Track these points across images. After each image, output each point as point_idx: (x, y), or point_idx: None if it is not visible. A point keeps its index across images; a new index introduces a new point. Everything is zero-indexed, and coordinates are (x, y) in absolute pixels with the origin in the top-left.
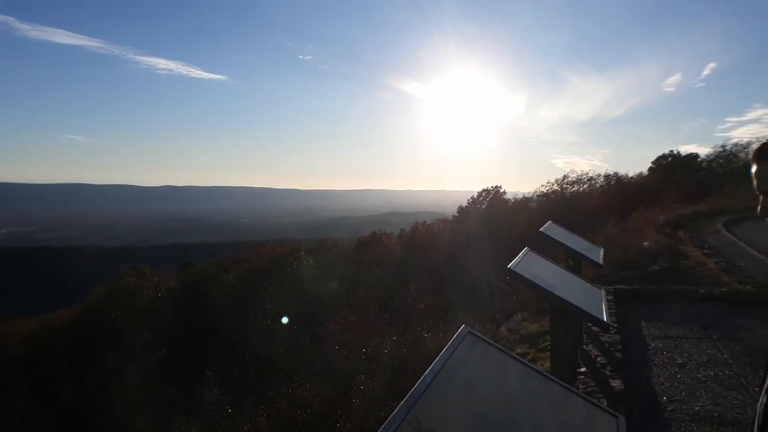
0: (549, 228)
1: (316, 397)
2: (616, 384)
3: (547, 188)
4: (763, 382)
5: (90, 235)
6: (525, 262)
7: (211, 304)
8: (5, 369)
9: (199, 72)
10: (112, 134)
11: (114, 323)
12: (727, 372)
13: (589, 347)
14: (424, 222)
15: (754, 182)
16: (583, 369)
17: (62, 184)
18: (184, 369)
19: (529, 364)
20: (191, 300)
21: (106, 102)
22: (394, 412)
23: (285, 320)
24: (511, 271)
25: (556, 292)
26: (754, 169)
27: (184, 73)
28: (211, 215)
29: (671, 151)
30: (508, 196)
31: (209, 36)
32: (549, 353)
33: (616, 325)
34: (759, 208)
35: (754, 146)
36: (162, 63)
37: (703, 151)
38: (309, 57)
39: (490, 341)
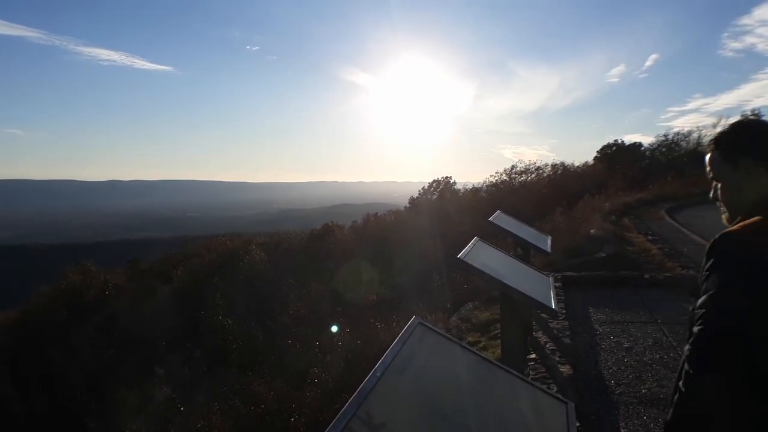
0: (498, 217)
1: (270, 391)
2: (565, 369)
3: (496, 178)
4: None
5: (31, 233)
6: (475, 251)
7: (161, 301)
8: None
9: (144, 63)
10: (54, 128)
11: (60, 323)
12: (671, 354)
13: (539, 334)
14: (376, 213)
15: (707, 169)
16: (533, 355)
17: (1, 180)
18: (135, 368)
19: (479, 353)
20: (140, 297)
21: (47, 94)
22: (344, 407)
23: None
24: (461, 261)
25: (505, 281)
26: (708, 157)
27: (128, 63)
28: (159, 210)
29: (616, 140)
30: (459, 186)
31: (154, 26)
32: (500, 341)
33: (564, 311)
34: (711, 193)
35: (695, 135)
36: (105, 54)
37: (647, 140)
38: (256, 48)
39: (441, 332)
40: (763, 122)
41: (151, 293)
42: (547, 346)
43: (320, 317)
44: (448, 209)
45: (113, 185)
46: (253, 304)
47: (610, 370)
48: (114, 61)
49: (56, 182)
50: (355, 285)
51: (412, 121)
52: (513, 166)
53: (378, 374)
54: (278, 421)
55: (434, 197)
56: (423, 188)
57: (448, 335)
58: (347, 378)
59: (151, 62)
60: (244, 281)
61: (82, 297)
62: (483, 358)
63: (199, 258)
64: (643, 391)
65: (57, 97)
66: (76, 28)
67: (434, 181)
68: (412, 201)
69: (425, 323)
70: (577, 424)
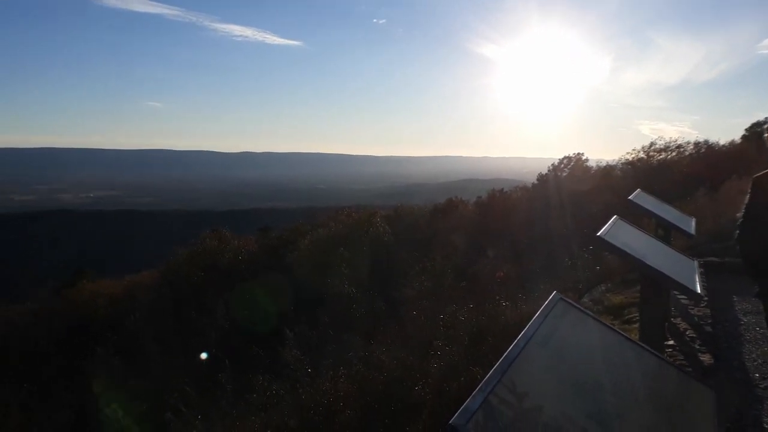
0: (638, 196)
1: (393, 360)
2: (706, 358)
3: (633, 156)
4: None
5: (171, 199)
6: (614, 230)
7: (290, 269)
8: (94, 327)
9: (275, 38)
10: (191, 101)
11: (195, 284)
12: None
13: (678, 320)
14: (502, 189)
15: None
16: (671, 342)
17: (144, 150)
18: (265, 329)
19: (622, 333)
20: (269, 263)
21: (184, 69)
22: (489, 374)
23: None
24: (600, 239)
25: (647, 262)
26: None
27: (260, 39)
28: (288, 181)
29: (766, 118)
30: (591, 163)
31: (284, 2)
32: (634, 326)
33: (706, 298)
34: None
35: None
36: (238, 29)
37: None
38: (383, 21)
39: (583, 308)
40: None
41: (280, 260)
42: (687, 333)
43: (444, 291)
44: (578, 187)
45: (246, 156)
46: (377, 275)
47: (755, 363)
48: (246, 36)
49: (194, 153)
50: (480, 261)
51: (542, 94)
52: (651, 143)
53: (521, 345)
54: (402, 388)
55: (564, 174)
56: (553, 164)
57: (589, 312)
58: (472, 352)
59: (282, 37)
60: (368, 252)
61: (217, 260)
62: (626, 337)
63: (325, 228)
64: None
65: (193, 72)
66: (211, 5)
67: (565, 157)
68: (541, 177)
69: (566, 299)
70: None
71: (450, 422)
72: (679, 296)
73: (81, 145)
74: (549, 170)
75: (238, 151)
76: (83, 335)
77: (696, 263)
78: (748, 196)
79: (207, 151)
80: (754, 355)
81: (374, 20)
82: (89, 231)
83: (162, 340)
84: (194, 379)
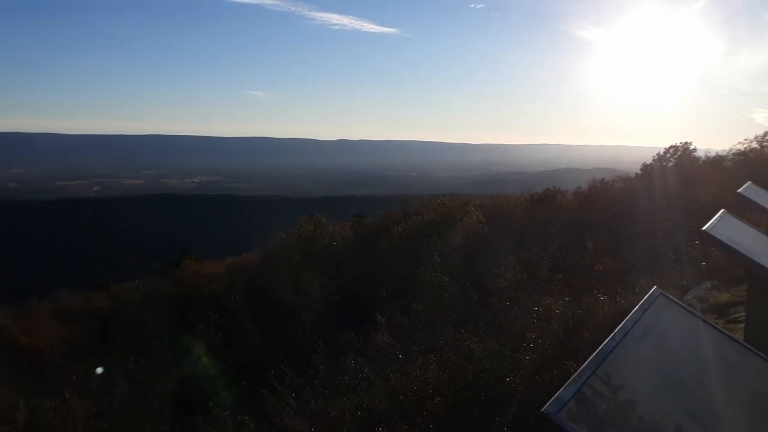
0: (749, 189)
1: (484, 350)
2: None
3: (745, 146)
4: None
5: (270, 185)
6: (721, 225)
7: (382, 255)
8: (196, 307)
9: (372, 26)
10: (290, 89)
11: (292, 268)
12: None
13: None
14: (603, 179)
15: None
16: None
17: (245, 137)
18: (358, 314)
19: (725, 331)
20: (363, 249)
21: (283, 58)
22: (583, 366)
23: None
24: (705, 234)
25: (756, 259)
26: None
27: (357, 27)
28: (382, 169)
29: None
30: (699, 153)
31: None
32: (740, 325)
33: None
34: None
35: None
36: (335, 18)
37: None
38: (481, 5)
39: (683, 305)
40: None
41: (373, 246)
42: None
43: (539, 282)
44: (685, 178)
45: (342, 144)
46: (470, 264)
47: None
48: (344, 25)
49: (292, 140)
50: (578, 253)
51: (647, 79)
52: (766, 133)
53: (618, 338)
54: (493, 379)
55: (670, 164)
56: (658, 154)
57: (691, 309)
58: (567, 345)
59: (379, 25)
60: (461, 241)
61: (312, 245)
62: (729, 336)
63: (418, 216)
64: None
65: (292, 61)
66: None
67: (671, 146)
68: (645, 168)
69: (667, 294)
70: None
71: (542, 410)
72: None
73: (186, 133)
74: (654, 160)
75: (335, 138)
76: (187, 312)
77: None
78: None
79: (304, 139)
80: None
81: (471, 5)
82: (193, 214)
83: (260, 320)
84: (289, 359)
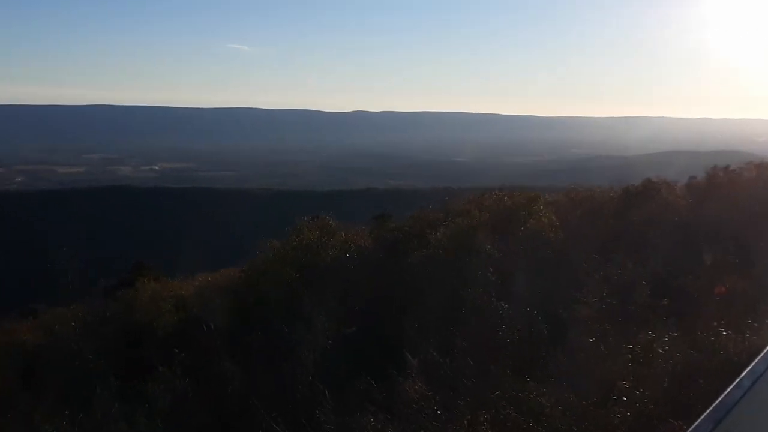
0: None
1: (557, 405)
2: None
3: None
4: None
5: (258, 174)
6: None
7: (414, 271)
8: (156, 340)
9: None
10: (286, 45)
11: (289, 288)
12: None
13: None
14: (726, 166)
15: None
16: None
17: (224, 109)
18: (378, 352)
19: None
20: (387, 263)
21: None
22: (696, 423)
23: None
24: None
25: None
26: None
27: None
28: (415, 151)
29: None
30: None
31: None
32: None
33: None
34: None
35: None
36: None
37: None
38: None
39: None
40: None
41: (401, 259)
42: None
43: (635, 310)
44: None
45: (358, 117)
46: (537, 284)
47: None
48: None
49: (288, 112)
50: (690, 270)
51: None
52: None
53: (745, 386)
54: None
55: None
56: None
57: None
58: (674, 398)
59: None
60: (525, 252)
61: (317, 258)
62: None
63: (466, 218)
64: None
65: (290, 6)
66: None
67: None
68: None
69: None
70: None
71: None
72: None
73: (143, 102)
74: None
75: (348, 110)
76: (143, 349)
77: None
78: None
79: (306, 110)
80: None
81: None
82: (152, 215)
83: (244, 360)
84: (284, 414)
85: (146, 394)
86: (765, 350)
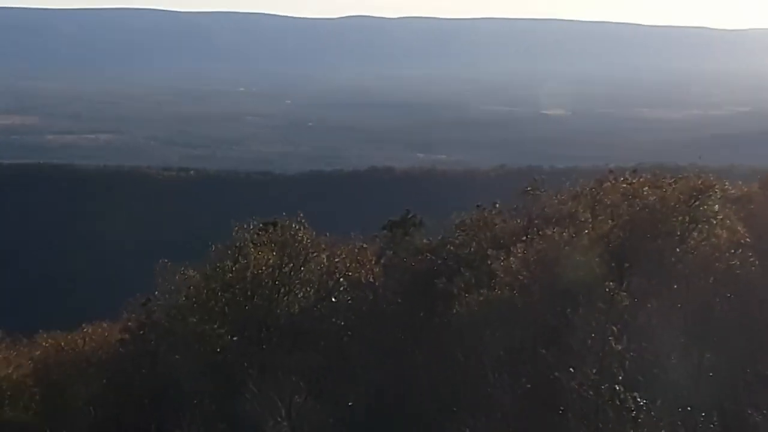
0: None
1: None
2: None
3: None
4: None
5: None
6: None
7: (462, 336)
8: None
9: None
10: None
11: (211, 370)
12: None
13: None
14: None
15: None
16: None
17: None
18: None
19: None
20: (415, 316)
21: None
22: None
23: None
24: None
25: None
26: None
27: None
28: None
29: None
30: None
31: None
32: None
33: None
34: None
35: None
36: None
37: None
38: None
39: None
40: None
41: (445, 310)
42: None
43: None
44: None
45: (351, 24)
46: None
47: None
48: None
49: (255, 16)
50: None
51: None
52: None
53: None
54: None
55: None
56: None
57: None
58: None
59: None
60: (682, 289)
61: (270, 305)
62: None
63: (575, 223)
64: None
65: None
66: None
67: None
68: None
69: None
70: None
71: None
72: None
73: None
74: None
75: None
76: None
77: None
78: None
79: (273, 16)
80: None
81: None
82: None
83: None
84: None
85: None
86: None
